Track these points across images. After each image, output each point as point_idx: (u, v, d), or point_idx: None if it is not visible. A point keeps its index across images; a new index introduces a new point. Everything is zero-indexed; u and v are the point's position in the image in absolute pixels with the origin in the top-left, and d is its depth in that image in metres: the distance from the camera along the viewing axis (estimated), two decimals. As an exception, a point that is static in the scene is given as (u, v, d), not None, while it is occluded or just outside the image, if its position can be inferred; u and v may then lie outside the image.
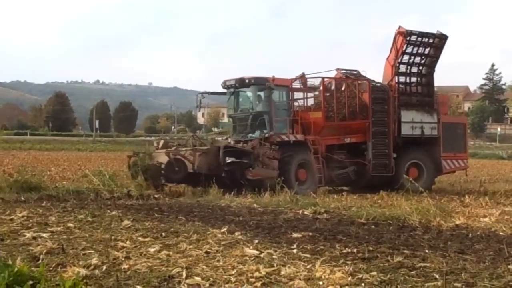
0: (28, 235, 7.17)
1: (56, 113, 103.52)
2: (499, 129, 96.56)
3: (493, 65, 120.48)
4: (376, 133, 18.44)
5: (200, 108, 19.67)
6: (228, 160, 15.17)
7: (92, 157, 38.14)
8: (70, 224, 8.16)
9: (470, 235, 7.85)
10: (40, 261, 5.67)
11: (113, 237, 7.06)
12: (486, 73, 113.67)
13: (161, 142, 17.29)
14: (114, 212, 9.52)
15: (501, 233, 8.13)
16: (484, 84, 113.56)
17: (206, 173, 15.13)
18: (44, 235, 7.19)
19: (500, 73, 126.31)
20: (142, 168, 15.47)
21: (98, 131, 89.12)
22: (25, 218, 8.80)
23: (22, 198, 12.10)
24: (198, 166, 15.24)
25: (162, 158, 15.61)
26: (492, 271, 5.49)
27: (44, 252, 6.09)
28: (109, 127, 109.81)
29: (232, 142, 17.80)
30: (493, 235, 7.94)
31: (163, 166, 15.34)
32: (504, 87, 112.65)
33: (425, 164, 18.91)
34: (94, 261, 5.62)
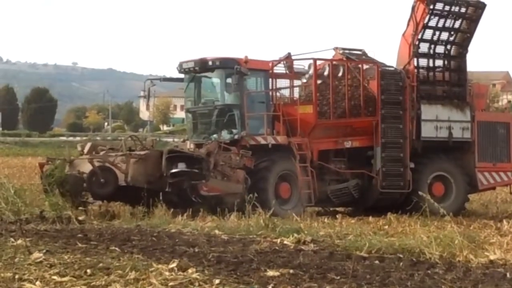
0: None
1: None
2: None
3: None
4: (387, 135, 18.69)
5: (149, 98, 19.78)
6: (174, 169, 15.30)
7: (-8, 164, 37.66)
8: (-43, 258, 8.11)
9: (508, 275, 8.00)
10: None
11: (17, 276, 7.01)
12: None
13: (88, 145, 17.31)
14: (20, 241, 9.44)
15: (550, 272, 8.31)
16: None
17: (144, 187, 15.21)
18: None
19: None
20: (58, 179, 15.47)
21: (1, 128, 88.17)
22: None
23: None
24: (132, 177, 15.35)
25: (86, 166, 15.66)
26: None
27: None
28: (17, 122, 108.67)
29: (191, 146, 17.92)
30: (539, 275, 8.12)
31: (85, 177, 15.38)
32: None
33: (454, 178, 19.22)
34: (-10, 309, 5.61)
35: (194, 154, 16.20)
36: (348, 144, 18.76)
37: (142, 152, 16.12)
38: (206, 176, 15.72)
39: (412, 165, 18.77)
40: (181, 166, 15.48)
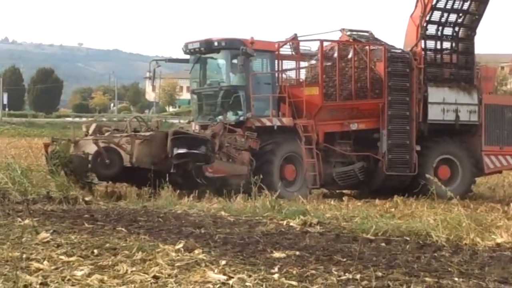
0: None
1: None
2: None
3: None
4: (394, 118, 18.71)
5: (154, 79, 19.81)
6: (178, 150, 15.31)
7: (-2, 144, 37.74)
8: (-36, 238, 8.13)
9: (515, 258, 8.01)
10: None
11: (24, 256, 7.04)
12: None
13: (93, 126, 17.34)
14: (27, 221, 9.48)
15: (557, 256, 8.30)
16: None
17: (148, 168, 15.25)
18: None
19: None
20: (63, 160, 15.50)
21: (6, 109, 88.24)
22: None
23: None
24: (137, 158, 15.40)
25: (91, 147, 15.69)
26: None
27: None
28: (23, 103, 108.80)
29: (196, 127, 17.94)
30: (546, 258, 8.10)
31: (90, 157, 15.41)
32: None
33: (461, 161, 19.25)
34: (-3, 288, 5.62)
35: (199, 135, 16.23)
36: (354, 127, 18.77)
37: (147, 133, 16.16)
38: (211, 158, 15.77)
39: (418, 148, 18.80)
40: (183, 149, 15.48)
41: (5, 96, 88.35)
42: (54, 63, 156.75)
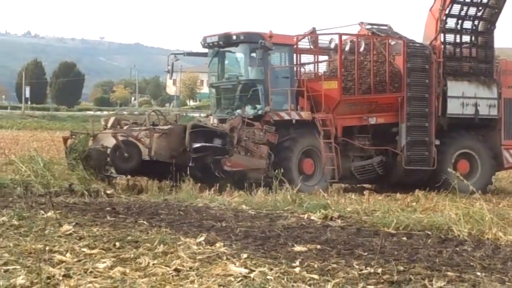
0: None
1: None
2: None
3: None
4: (413, 112, 18.58)
5: (172, 73, 19.80)
6: (197, 144, 15.29)
7: (21, 137, 38.07)
8: (-12, 229, 8.16)
9: (537, 253, 7.93)
10: None
11: (47, 248, 7.08)
12: None
13: (111, 120, 17.34)
14: (50, 214, 9.53)
15: None
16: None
17: (167, 162, 15.27)
18: (-48, 243, 7.20)
19: None
20: (81, 153, 15.53)
21: (29, 102, 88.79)
22: None
23: None
24: (156, 151, 15.41)
25: (109, 140, 15.70)
26: None
27: (-49, 267, 6.08)
28: (45, 96, 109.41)
29: (214, 121, 17.94)
30: None
31: (109, 151, 15.43)
32: None
33: (480, 156, 19.09)
34: (20, 280, 5.62)
35: (218, 129, 16.22)
36: (372, 121, 18.66)
37: (166, 127, 16.19)
38: (229, 152, 15.77)
39: (437, 142, 18.67)
40: (201, 143, 15.51)
41: (28, 89, 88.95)
42: (76, 57, 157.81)
